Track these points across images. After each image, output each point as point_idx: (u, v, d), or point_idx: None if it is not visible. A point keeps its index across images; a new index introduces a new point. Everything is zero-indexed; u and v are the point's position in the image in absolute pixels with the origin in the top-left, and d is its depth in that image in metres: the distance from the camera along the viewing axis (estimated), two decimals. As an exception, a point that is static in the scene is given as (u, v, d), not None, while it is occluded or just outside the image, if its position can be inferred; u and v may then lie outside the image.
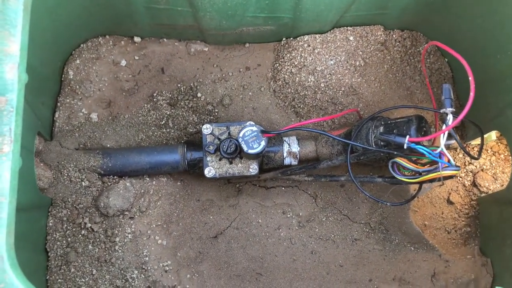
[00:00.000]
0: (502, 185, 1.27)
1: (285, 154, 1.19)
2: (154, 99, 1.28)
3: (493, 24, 1.04)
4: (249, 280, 1.23)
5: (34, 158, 1.07)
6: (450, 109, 0.93)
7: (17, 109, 0.73)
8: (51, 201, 1.13)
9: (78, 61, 1.27)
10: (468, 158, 1.31)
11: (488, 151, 1.31)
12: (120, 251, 1.14)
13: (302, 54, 1.27)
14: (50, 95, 1.22)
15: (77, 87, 1.25)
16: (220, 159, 1.15)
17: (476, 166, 1.30)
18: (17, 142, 0.73)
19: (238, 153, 1.13)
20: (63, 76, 1.25)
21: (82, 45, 1.28)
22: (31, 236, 1.04)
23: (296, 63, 1.27)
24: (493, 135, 1.26)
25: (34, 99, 1.05)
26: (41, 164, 1.11)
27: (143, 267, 1.15)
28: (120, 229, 1.15)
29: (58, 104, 1.24)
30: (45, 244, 1.11)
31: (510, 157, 1.26)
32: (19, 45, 0.74)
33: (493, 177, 1.28)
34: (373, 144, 1.04)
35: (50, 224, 1.12)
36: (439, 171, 0.93)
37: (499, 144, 1.30)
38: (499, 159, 1.30)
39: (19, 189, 0.73)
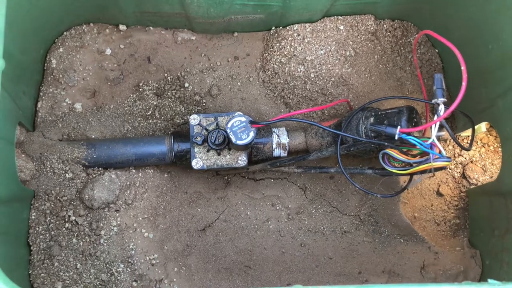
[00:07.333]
0: (492, 177, 1.27)
1: (274, 146, 1.17)
2: (140, 89, 1.25)
3: (487, 13, 1.02)
4: (238, 273, 1.22)
5: (14, 149, 1.03)
6: (442, 99, 0.92)
7: None
8: (34, 194, 1.10)
9: (61, 50, 1.23)
10: (457, 150, 1.31)
11: (478, 143, 1.30)
12: (105, 244, 1.11)
13: (292, 44, 1.25)
14: (32, 84, 1.18)
15: (61, 76, 1.22)
16: (208, 151, 1.12)
17: (465, 158, 1.30)
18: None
19: (226, 144, 1.11)
20: (45, 64, 1.22)
21: (65, 33, 1.25)
22: (12, 229, 1.01)
23: (285, 53, 1.25)
24: (483, 126, 1.26)
25: (14, 88, 1.02)
26: (23, 155, 1.08)
27: (129, 260, 1.13)
28: (105, 222, 1.12)
29: (41, 93, 1.21)
30: (27, 237, 1.08)
31: (500, 149, 1.26)
32: (-6, 30, 0.71)
33: (483, 169, 1.28)
34: (364, 135, 1.03)
35: (33, 217, 1.09)
36: (430, 162, 0.92)
37: (489, 135, 1.30)
38: (488, 150, 1.30)
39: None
